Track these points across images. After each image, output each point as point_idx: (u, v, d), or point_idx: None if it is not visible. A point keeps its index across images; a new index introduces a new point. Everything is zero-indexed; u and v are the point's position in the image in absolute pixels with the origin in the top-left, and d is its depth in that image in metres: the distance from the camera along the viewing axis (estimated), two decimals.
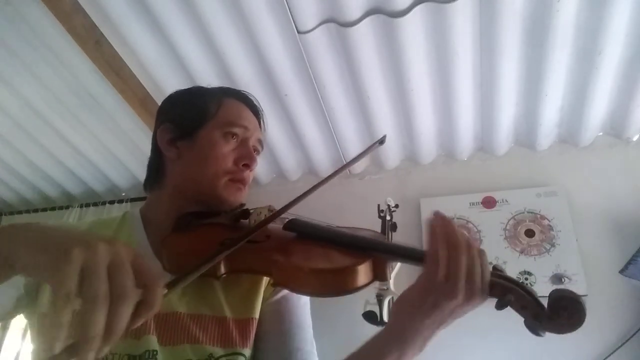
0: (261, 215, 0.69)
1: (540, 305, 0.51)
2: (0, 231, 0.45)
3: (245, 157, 0.73)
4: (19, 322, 2.45)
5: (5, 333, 2.51)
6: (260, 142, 0.80)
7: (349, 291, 0.55)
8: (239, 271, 0.65)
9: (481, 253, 0.52)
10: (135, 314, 0.37)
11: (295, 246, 0.63)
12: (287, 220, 0.68)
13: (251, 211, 0.71)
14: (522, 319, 0.52)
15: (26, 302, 0.60)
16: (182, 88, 0.84)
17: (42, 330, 0.33)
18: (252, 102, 0.81)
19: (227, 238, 0.62)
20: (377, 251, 0.60)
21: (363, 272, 0.56)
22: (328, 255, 0.60)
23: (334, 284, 0.56)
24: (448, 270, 0.50)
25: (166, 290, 0.43)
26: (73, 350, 0.34)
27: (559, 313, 0.49)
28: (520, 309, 0.52)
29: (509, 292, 0.52)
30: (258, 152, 0.79)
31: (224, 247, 0.56)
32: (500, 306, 0.52)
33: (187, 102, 0.78)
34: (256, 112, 0.81)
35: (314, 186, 0.68)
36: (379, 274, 0.58)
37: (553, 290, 0.51)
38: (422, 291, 0.53)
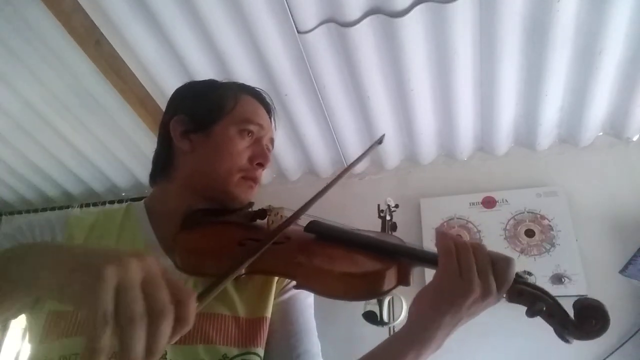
0: (278, 215, 0.67)
1: (567, 314, 0.52)
2: (5, 253, 0.43)
3: (260, 156, 0.73)
4: (19, 322, 2.45)
5: (5, 333, 2.51)
6: (272, 141, 0.80)
7: (374, 296, 0.55)
8: (260, 272, 0.63)
9: (483, 248, 0.53)
10: (172, 332, 0.35)
11: (318, 248, 0.62)
12: (308, 221, 0.66)
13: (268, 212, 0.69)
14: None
15: (30, 304, 0.58)
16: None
17: (83, 356, 0.32)
18: (267, 100, 0.82)
19: (248, 238, 0.61)
20: (403, 256, 0.59)
21: (389, 277, 0.55)
22: (354, 259, 0.58)
23: (360, 289, 0.54)
24: (461, 266, 0.51)
25: (198, 303, 0.40)
26: None
27: (586, 321, 0.51)
28: (548, 318, 0.53)
29: (539, 300, 0.53)
30: (269, 151, 0.79)
31: (248, 250, 0.52)
32: (531, 314, 0.53)
33: (204, 95, 0.77)
34: (269, 111, 0.82)
35: (325, 187, 0.67)
36: (403, 280, 0.57)
37: (577, 300, 0.53)
38: (440, 290, 0.53)
